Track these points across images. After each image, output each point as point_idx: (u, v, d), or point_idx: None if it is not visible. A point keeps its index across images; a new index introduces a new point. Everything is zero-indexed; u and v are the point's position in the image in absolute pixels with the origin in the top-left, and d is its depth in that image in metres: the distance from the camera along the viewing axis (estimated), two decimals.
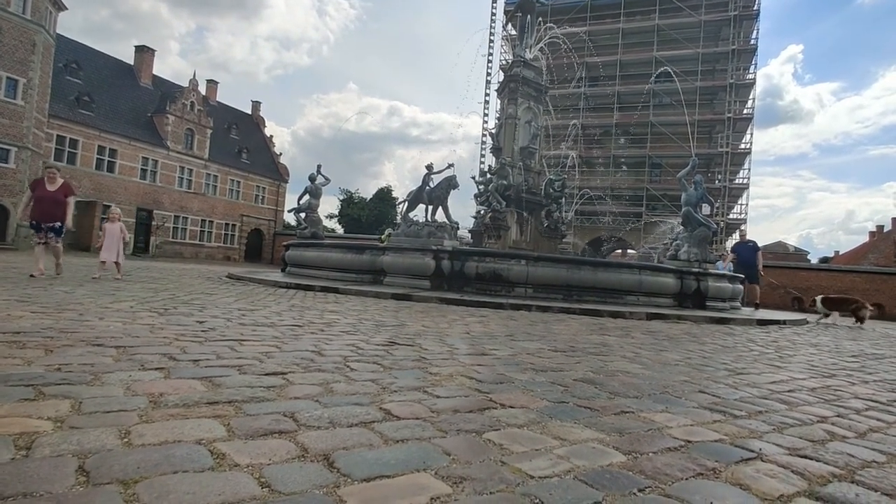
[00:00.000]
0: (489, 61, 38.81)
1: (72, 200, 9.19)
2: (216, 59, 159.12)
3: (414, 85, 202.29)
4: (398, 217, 16.32)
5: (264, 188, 46.24)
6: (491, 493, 1.34)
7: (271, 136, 50.32)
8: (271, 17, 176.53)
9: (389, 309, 6.82)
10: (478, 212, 16.75)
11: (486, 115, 38.94)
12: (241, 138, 45.44)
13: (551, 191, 16.28)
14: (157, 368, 2.41)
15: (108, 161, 33.35)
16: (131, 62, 39.24)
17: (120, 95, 35.49)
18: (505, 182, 15.31)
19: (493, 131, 18.01)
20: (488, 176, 16.06)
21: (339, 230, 53.81)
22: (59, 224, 9.04)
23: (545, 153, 20.55)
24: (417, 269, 10.66)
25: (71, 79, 31.77)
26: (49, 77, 27.27)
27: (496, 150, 16.59)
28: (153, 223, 36.41)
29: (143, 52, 39.46)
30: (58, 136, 30.12)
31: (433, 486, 1.36)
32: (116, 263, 9.64)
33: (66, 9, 28.13)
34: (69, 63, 31.84)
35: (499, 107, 17.93)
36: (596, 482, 1.46)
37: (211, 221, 41.35)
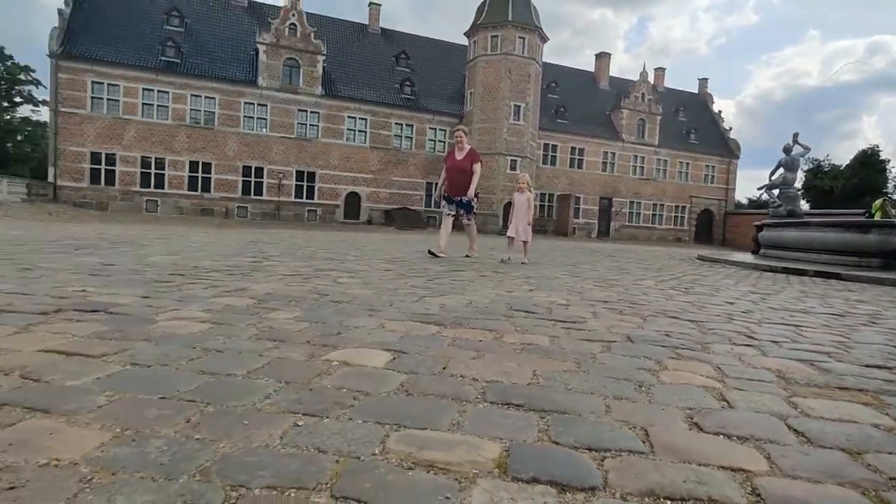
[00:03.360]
0: None
1: (478, 168, 7.61)
2: (655, 46, 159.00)
3: None
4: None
5: (713, 167, 43.40)
6: None
7: (719, 112, 46.59)
8: None
9: None
10: None
11: None
12: (688, 119, 43.84)
13: None
14: (745, 345, 2.51)
15: (578, 159, 38.07)
16: (590, 69, 43.42)
17: (584, 101, 39.78)
18: None
19: None
20: None
21: (803, 206, 45.42)
22: (466, 198, 7.62)
23: None
24: None
25: (551, 96, 37.66)
26: (538, 97, 33.10)
27: None
28: (612, 210, 39.45)
29: (601, 59, 43.02)
30: (544, 143, 36.34)
31: None
32: (524, 242, 7.67)
33: (549, 39, 33.37)
34: (550, 83, 37.75)
35: None
36: None
37: (661, 205, 41.71)
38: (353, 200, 32.88)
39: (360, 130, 32.86)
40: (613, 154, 39.55)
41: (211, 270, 4.09)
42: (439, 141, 34.34)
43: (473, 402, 1.43)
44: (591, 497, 0.99)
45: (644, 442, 1.25)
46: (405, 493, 0.94)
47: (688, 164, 42.56)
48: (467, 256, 7.71)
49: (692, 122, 43.90)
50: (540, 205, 36.89)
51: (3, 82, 43.32)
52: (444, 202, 7.93)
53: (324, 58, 31.81)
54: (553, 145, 37.17)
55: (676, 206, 42.37)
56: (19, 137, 45.10)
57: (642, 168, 40.69)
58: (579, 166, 38.27)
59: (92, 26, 28.42)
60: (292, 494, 0.91)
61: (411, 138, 33.76)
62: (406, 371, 1.67)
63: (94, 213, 24.62)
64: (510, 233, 7.79)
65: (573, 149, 37.93)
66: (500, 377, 1.67)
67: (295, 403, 1.32)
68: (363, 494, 0.92)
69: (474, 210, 7.85)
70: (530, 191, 7.86)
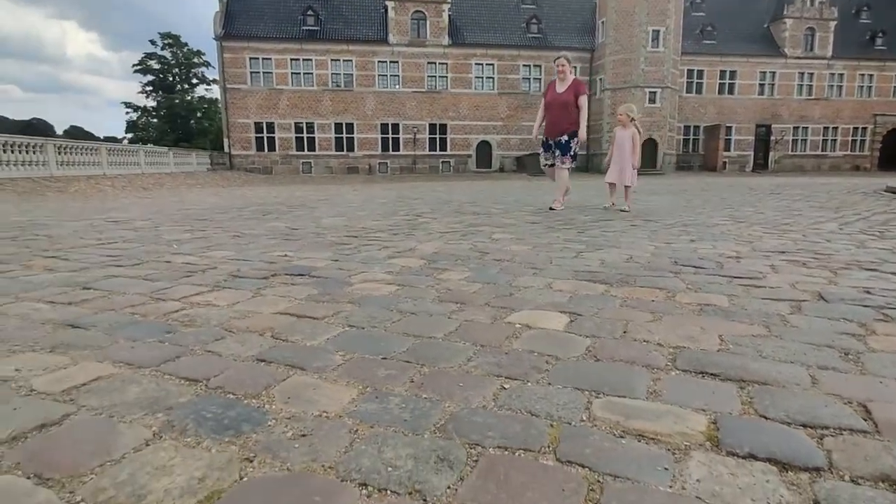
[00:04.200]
0: None
1: (584, 102, 6.39)
2: None
3: None
4: None
5: None
6: None
7: None
8: None
9: None
10: None
11: None
12: (873, 21, 36.13)
13: None
14: None
15: (728, 83, 33.70)
16: None
17: (736, 15, 34.55)
18: None
19: None
20: None
21: None
22: (565, 137, 6.40)
23: None
24: None
25: (696, 14, 33.36)
26: (680, 18, 29.52)
27: None
28: (771, 138, 34.65)
29: None
30: (687, 70, 32.64)
31: None
32: (626, 188, 6.44)
33: None
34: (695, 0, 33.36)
35: None
36: None
37: (835, 128, 35.63)
38: (484, 149, 32.92)
39: (487, 77, 32.35)
40: (773, 74, 34.28)
41: (377, 231, 4.46)
42: None
43: (665, 370, 1.43)
44: (816, 478, 0.96)
45: (866, 420, 1.17)
46: (623, 460, 1.00)
47: (871, 76, 35.47)
48: (551, 209, 6.36)
49: (880, 22, 36.09)
50: (684, 139, 33.65)
51: (182, 67, 49.68)
52: (541, 149, 6.77)
53: (449, 6, 31.39)
54: (699, 71, 33.21)
55: (854, 129, 35.90)
56: (199, 114, 51.84)
57: (810, 87, 34.82)
58: (730, 92, 33.87)
59: (245, 6, 31.05)
60: (521, 455, 1.02)
61: (539, 79, 32.42)
62: (588, 335, 1.71)
63: (261, 177, 27.79)
64: (609, 178, 6.49)
65: (723, 72, 33.57)
66: (685, 342, 1.64)
67: (496, 367, 1.44)
68: (585, 460, 1.00)
69: (573, 153, 6.48)
70: (635, 126, 6.41)
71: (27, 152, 15.32)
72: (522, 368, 1.43)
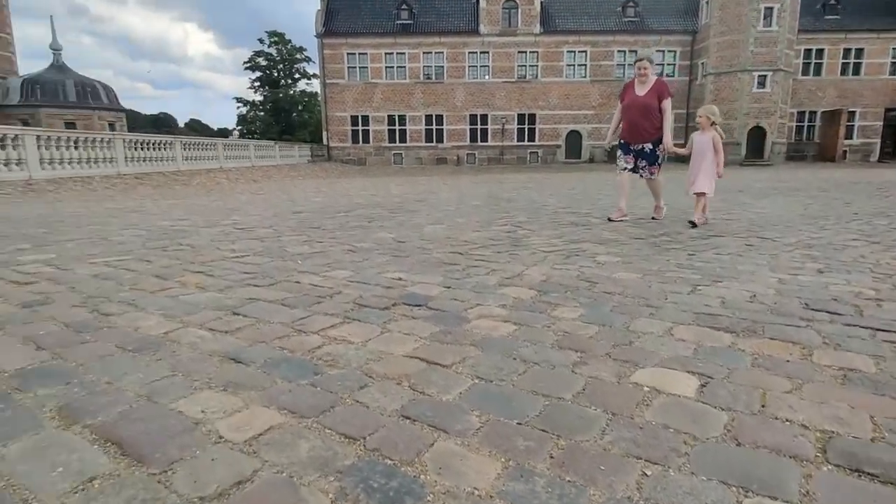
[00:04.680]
0: None
1: (668, 106, 5.92)
2: None
3: None
4: None
5: None
6: None
7: None
8: None
9: None
10: None
11: None
12: None
13: None
14: None
15: (854, 63, 30.01)
16: None
17: None
18: None
19: None
20: None
21: None
22: (649, 146, 6.11)
23: None
24: None
25: None
26: None
27: None
28: None
29: None
30: (804, 49, 29.48)
31: None
32: (700, 195, 5.74)
33: None
34: None
35: None
36: None
37: None
38: (573, 139, 31.99)
39: (579, 64, 31.27)
40: None
41: (480, 246, 4.53)
42: (667, 64, 30.59)
43: (815, 464, 1.36)
44: None
45: None
46: None
47: None
48: (654, 219, 6.23)
49: None
50: (797, 125, 30.54)
51: (286, 63, 52.66)
52: (619, 151, 6.36)
53: None
54: (817, 50, 29.87)
55: None
56: (300, 107, 54.80)
57: None
58: (855, 72, 30.18)
59: (344, 3, 32.20)
60: None
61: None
62: (723, 407, 1.66)
63: (356, 168, 28.96)
64: (696, 188, 5.77)
65: (846, 51, 29.95)
66: (833, 425, 1.55)
67: (633, 445, 1.45)
68: None
69: (661, 161, 6.20)
70: (717, 130, 5.69)
71: (160, 149, 17.09)
72: (661, 450, 1.42)
